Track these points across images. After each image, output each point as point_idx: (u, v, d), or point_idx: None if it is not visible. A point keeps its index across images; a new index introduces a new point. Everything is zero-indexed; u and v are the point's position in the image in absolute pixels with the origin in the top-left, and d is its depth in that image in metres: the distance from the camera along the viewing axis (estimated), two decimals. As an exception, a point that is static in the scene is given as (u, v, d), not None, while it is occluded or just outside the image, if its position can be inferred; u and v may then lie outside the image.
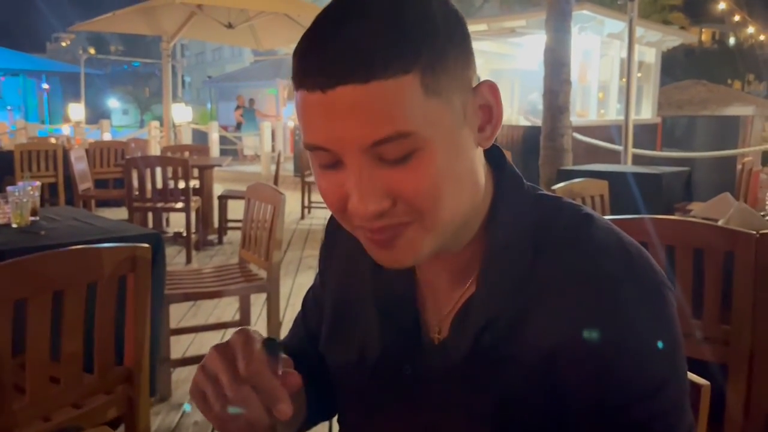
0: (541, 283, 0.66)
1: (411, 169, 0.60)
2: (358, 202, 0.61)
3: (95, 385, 1.78)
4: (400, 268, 0.69)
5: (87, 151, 6.78)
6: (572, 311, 0.64)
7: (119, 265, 1.74)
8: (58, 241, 2.21)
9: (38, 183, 2.64)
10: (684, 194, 4.63)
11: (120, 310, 1.79)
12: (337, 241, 0.87)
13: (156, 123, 12.35)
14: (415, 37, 0.58)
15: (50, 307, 1.60)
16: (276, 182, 5.90)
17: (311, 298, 0.94)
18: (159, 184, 5.11)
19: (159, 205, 5.17)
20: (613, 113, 9.96)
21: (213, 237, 6.11)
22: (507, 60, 10.77)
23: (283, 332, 3.39)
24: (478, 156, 0.67)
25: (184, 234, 5.36)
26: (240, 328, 0.66)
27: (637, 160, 6.01)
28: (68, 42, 41.18)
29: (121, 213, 5.72)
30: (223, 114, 22.99)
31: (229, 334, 3.53)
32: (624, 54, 6.91)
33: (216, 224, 6.15)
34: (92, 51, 33.77)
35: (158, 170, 5.07)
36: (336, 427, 0.90)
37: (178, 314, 3.89)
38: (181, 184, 5.15)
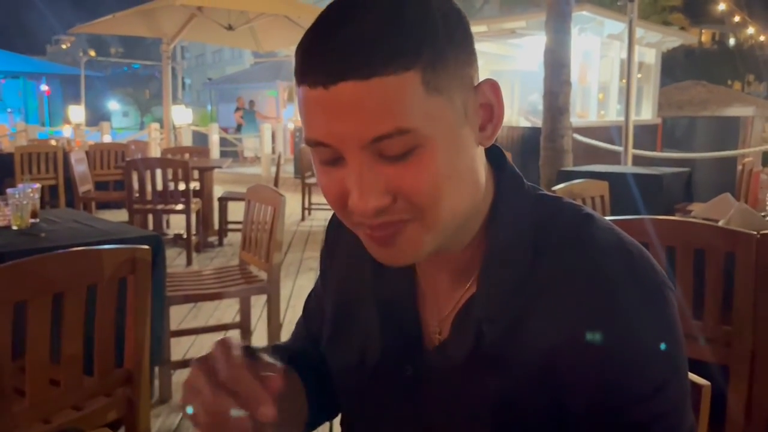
0: (542, 283, 0.66)
1: (411, 165, 0.60)
2: (359, 198, 0.61)
3: (95, 388, 1.78)
4: (400, 266, 0.68)
5: (87, 153, 6.78)
6: (573, 311, 0.64)
7: (119, 267, 1.74)
8: (58, 243, 2.21)
9: (38, 185, 2.64)
10: (684, 195, 4.63)
11: (120, 312, 1.79)
12: (337, 243, 0.87)
13: (156, 125, 12.36)
14: (416, 34, 0.59)
15: (50, 309, 1.60)
16: (276, 184, 5.90)
17: (313, 301, 0.94)
18: (159, 186, 5.11)
19: (159, 207, 5.17)
20: (613, 114, 9.96)
21: (213, 239, 6.11)
22: (507, 61, 10.77)
23: (284, 333, 3.39)
24: (479, 155, 0.67)
25: (185, 236, 5.36)
26: (221, 338, 0.66)
27: (638, 160, 6.01)
28: (68, 44, 41.26)
29: (121, 215, 5.72)
30: (224, 116, 23.01)
31: (229, 336, 3.54)
32: (624, 55, 6.91)
33: (216, 226, 6.15)
34: (92, 53, 33.79)
35: (158, 172, 5.07)
36: (336, 427, 0.90)
37: (179, 316, 3.89)
38: (182, 186, 5.15)
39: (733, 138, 9.73)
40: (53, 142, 8.28)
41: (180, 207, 5.17)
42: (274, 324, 2.97)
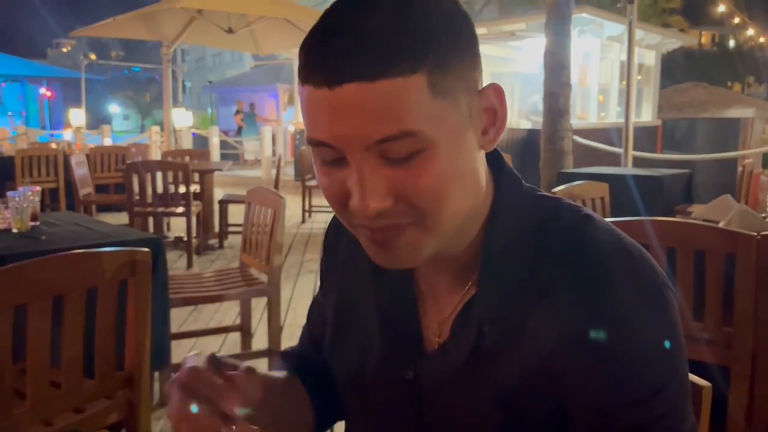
0: (542, 284, 0.66)
1: (414, 168, 0.60)
2: (360, 200, 0.60)
3: (96, 390, 1.78)
4: (400, 269, 0.68)
5: (88, 156, 6.78)
6: (573, 312, 0.63)
7: (119, 269, 1.74)
8: (58, 245, 2.21)
9: (38, 188, 2.64)
10: (684, 196, 4.63)
11: (121, 314, 1.79)
12: (337, 249, 0.87)
13: (157, 128, 12.37)
14: (423, 36, 0.58)
15: (50, 312, 1.60)
16: (276, 186, 5.90)
17: (315, 309, 0.93)
18: (160, 189, 5.11)
19: (160, 209, 5.17)
20: (613, 116, 9.96)
21: (214, 241, 6.11)
22: (507, 63, 10.78)
23: (284, 336, 3.39)
24: (480, 158, 0.67)
25: (185, 239, 5.36)
26: (186, 355, 0.67)
27: (638, 162, 6.01)
28: (69, 48, 41.31)
29: (121, 218, 5.71)
30: (224, 119, 23.02)
31: (230, 338, 3.55)
32: (624, 57, 6.92)
33: (217, 229, 6.15)
34: (93, 56, 33.86)
35: (159, 175, 5.07)
36: (337, 430, 0.90)
37: (179, 319, 3.89)
38: (182, 189, 5.14)
39: (733, 139, 9.74)
40: (54, 146, 8.28)
41: (180, 210, 5.17)
42: (274, 326, 2.97)
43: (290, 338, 3.52)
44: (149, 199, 5.06)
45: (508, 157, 5.75)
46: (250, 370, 0.64)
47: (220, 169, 6.41)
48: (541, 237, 0.68)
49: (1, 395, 1.55)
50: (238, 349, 3.29)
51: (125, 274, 1.77)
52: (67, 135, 12.54)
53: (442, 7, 0.61)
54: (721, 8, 13.62)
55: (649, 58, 10.65)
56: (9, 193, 2.50)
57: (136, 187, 5.00)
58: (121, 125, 38.74)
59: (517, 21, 9.19)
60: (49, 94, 22.92)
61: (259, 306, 3.66)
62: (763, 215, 2.66)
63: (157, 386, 2.79)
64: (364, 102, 0.57)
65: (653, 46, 10.52)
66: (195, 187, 5.55)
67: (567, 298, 0.64)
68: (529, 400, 0.66)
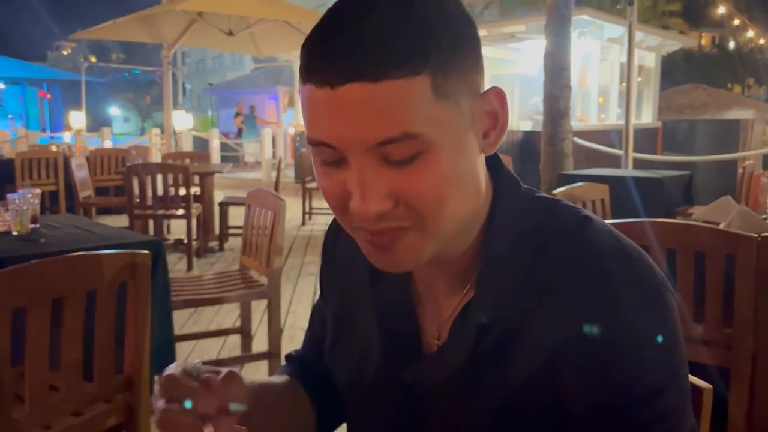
0: (541, 286, 0.66)
1: (415, 171, 0.59)
2: (360, 201, 0.60)
3: (95, 393, 1.77)
4: (399, 272, 0.68)
5: (88, 158, 6.79)
6: (572, 314, 0.63)
7: (119, 271, 1.74)
8: (58, 248, 2.21)
9: (38, 190, 2.64)
10: (685, 198, 4.63)
11: (121, 317, 1.78)
12: (335, 253, 0.86)
13: (157, 130, 12.38)
14: (428, 37, 0.58)
15: (50, 314, 1.59)
16: (277, 188, 5.90)
17: (316, 313, 0.93)
18: (160, 191, 5.11)
19: (160, 212, 5.17)
20: (613, 118, 9.97)
21: (214, 244, 6.11)
22: (507, 65, 10.79)
23: (284, 338, 3.39)
24: (481, 162, 0.67)
25: (185, 241, 5.36)
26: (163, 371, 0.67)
27: (638, 164, 6.02)
28: (69, 50, 41.30)
29: (122, 220, 5.72)
30: (224, 121, 23.02)
31: (230, 341, 3.54)
32: (624, 58, 6.92)
33: (217, 231, 6.15)
34: (93, 59, 33.86)
35: (159, 177, 5.08)
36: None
37: (180, 321, 3.88)
38: (182, 191, 5.14)
39: (734, 141, 9.75)
40: (54, 148, 8.30)
41: (180, 212, 5.17)
42: (274, 329, 2.97)
43: (290, 341, 3.52)
44: (149, 202, 5.06)
45: (508, 159, 5.75)
46: (231, 374, 0.64)
47: (220, 172, 6.41)
48: (539, 239, 0.68)
49: (0, 398, 1.54)
50: (238, 352, 3.29)
51: (125, 277, 1.76)
52: (67, 137, 12.56)
53: (445, 8, 0.60)
54: (721, 10, 13.63)
55: (649, 59, 10.66)
56: (9, 196, 2.49)
57: (136, 190, 5.00)
58: (121, 128, 38.78)
59: (517, 23, 9.20)
60: (49, 96, 22.94)
61: (259, 308, 3.66)
62: (763, 217, 2.66)
63: (157, 389, 2.79)
64: (366, 103, 0.57)
65: (653, 47, 10.53)
66: (195, 190, 5.55)
67: (566, 299, 0.64)
68: (529, 401, 0.65)
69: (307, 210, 7.58)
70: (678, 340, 0.64)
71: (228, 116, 20.45)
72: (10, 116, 21.04)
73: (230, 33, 7.03)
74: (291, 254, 5.93)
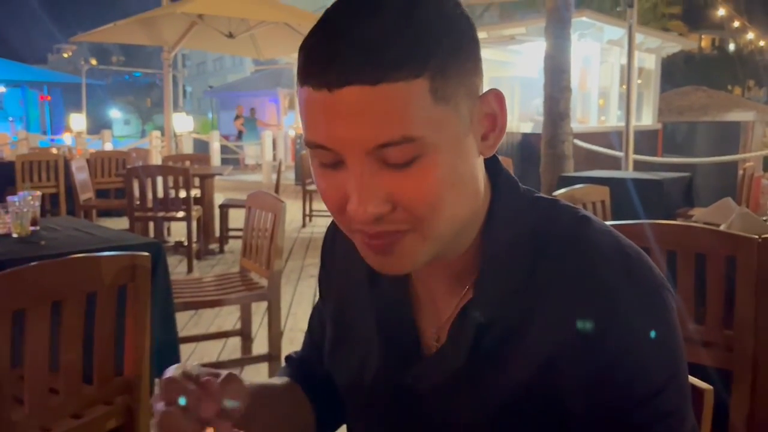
0: (540, 286, 0.66)
1: (413, 174, 0.59)
2: (358, 204, 0.60)
3: (95, 396, 1.77)
4: (397, 274, 0.68)
5: (88, 161, 6.78)
6: (571, 314, 0.63)
7: (118, 274, 1.74)
8: (58, 250, 2.20)
9: (38, 192, 2.64)
10: (685, 200, 4.62)
11: (121, 319, 1.78)
12: (333, 258, 0.86)
13: (157, 133, 12.38)
14: (427, 39, 0.57)
15: (49, 316, 1.59)
16: (277, 191, 5.90)
17: (316, 316, 0.93)
18: (160, 194, 5.11)
19: (160, 214, 5.16)
20: (613, 120, 9.97)
21: (214, 246, 6.11)
22: (507, 67, 10.79)
23: (285, 340, 3.39)
24: (479, 164, 0.66)
25: (185, 243, 5.36)
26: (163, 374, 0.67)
27: (638, 166, 6.02)
28: (70, 53, 41.40)
29: (122, 223, 5.72)
30: (225, 123, 23.04)
31: (230, 343, 3.54)
32: (624, 60, 6.93)
33: (217, 233, 6.15)
34: (94, 62, 33.89)
35: (159, 180, 5.07)
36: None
37: (180, 323, 3.86)
38: (183, 194, 5.15)
39: (734, 143, 9.75)
40: (54, 151, 8.30)
41: (181, 214, 5.17)
42: (274, 331, 2.97)
43: (290, 343, 3.51)
44: (150, 204, 5.05)
45: (508, 162, 5.76)
46: (230, 376, 0.64)
47: (220, 174, 6.41)
48: (538, 239, 0.68)
49: (0, 401, 1.54)
50: (238, 354, 3.29)
51: (125, 279, 1.76)
52: (67, 140, 12.56)
53: (444, 10, 0.60)
54: (721, 12, 13.64)
55: (649, 61, 10.67)
56: (9, 198, 2.49)
57: (136, 192, 5.00)
58: (121, 130, 38.78)
59: (518, 25, 9.20)
60: (49, 98, 22.97)
61: (259, 311, 3.66)
62: (764, 218, 2.66)
63: (156, 391, 2.79)
64: (364, 106, 0.56)
65: (653, 49, 10.53)
66: (195, 192, 5.55)
67: (565, 300, 0.64)
68: (529, 402, 0.65)
69: (307, 212, 7.58)
70: (677, 340, 0.64)
71: (229, 118, 20.47)
72: (10, 119, 21.05)
73: (230, 35, 7.03)
74: (291, 256, 5.92)
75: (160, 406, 0.62)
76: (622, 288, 0.63)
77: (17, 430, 1.59)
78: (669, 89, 13.42)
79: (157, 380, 0.67)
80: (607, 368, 0.62)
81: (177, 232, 6.51)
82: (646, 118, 10.62)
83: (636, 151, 5.88)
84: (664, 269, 1.85)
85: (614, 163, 6.49)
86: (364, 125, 0.57)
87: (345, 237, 0.68)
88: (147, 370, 1.86)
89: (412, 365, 0.73)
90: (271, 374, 2.96)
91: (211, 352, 3.47)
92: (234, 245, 6.07)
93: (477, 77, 0.63)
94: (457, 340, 0.70)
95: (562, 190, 3.05)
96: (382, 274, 0.69)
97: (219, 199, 6.32)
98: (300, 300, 4.52)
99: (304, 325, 0.97)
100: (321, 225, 7.57)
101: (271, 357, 2.96)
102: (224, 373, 0.64)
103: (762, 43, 16.92)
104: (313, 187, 7.31)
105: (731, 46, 25.38)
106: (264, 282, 2.98)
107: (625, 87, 6.46)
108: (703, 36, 25.61)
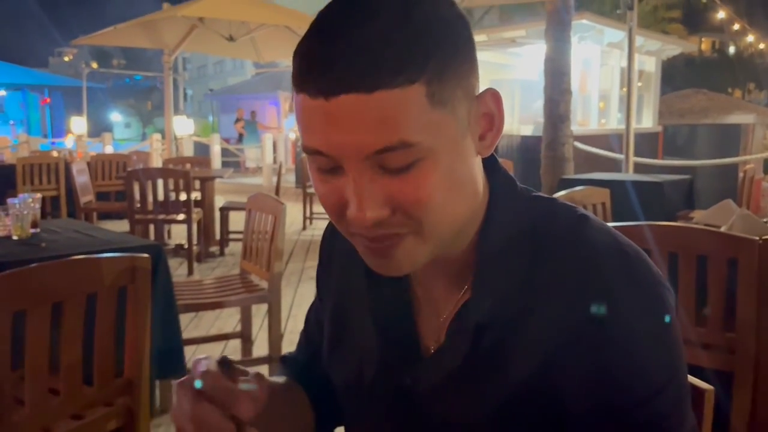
0: (539, 285, 0.65)
1: (412, 178, 0.59)
2: (357, 209, 0.60)
3: (95, 397, 1.77)
4: (396, 276, 0.68)
5: (89, 164, 6.79)
6: (570, 314, 0.63)
7: (119, 275, 1.74)
8: (58, 252, 2.21)
9: (39, 195, 2.64)
10: (686, 202, 4.62)
11: (121, 321, 1.78)
12: (332, 256, 0.86)
13: (158, 136, 12.40)
14: (424, 44, 0.57)
15: (49, 318, 1.59)
16: (277, 193, 5.90)
17: (313, 314, 0.93)
18: (161, 197, 5.11)
19: (160, 217, 5.17)
20: (614, 122, 9.97)
21: (214, 249, 6.11)
22: (507, 70, 10.80)
23: (285, 342, 3.38)
24: (477, 164, 0.66)
25: (186, 246, 5.36)
26: (195, 358, 0.66)
27: (639, 168, 6.02)
28: (71, 56, 41.47)
29: (122, 225, 5.72)
30: (225, 126, 23.06)
31: (230, 345, 3.54)
32: (624, 63, 6.93)
33: (218, 236, 6.15)
34: (94, 65, 33.95)
35: (160, 182, 5.08)
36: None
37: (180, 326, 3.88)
38: (183, 196, 5.15)
39: (734, 145, 9.75)
40: (55, 153, 8.30)
41: (181, 217, 5.17)
42: (275, 333, 2.97)
43: (291, 345, 3.49)
44: (150, 207, 5.06)
45: (509, 164, 5.75)
46: (259, 376, 0.64)
47: (221, 177, 6.42)
48: (536, 238, 0.68)
49: (0, 402, 1.54)
50: (238, 356, 3.28)
51: (125, 281, 1.76)
52: (68, 143, 12.56)
53: (440, 12, 0.60)
54: (721, 14, 13.65)
55: (649, 64, 10.67)
56: (9, 200, 2.50)
57: (137, 195, 5.00)
58: (122, 133, 38.78)
59: (517, 28, 9.20)
60: (50, 101, 22.98)
61: (259, 313, 3.66)
62: (764, 220, 2.66)
63: (157, 393, 2.78)
64: (361, 113, 0.56)
65: (653, 52, 10.54)
66: (196, 195, 5.55)
67: (564, 299, 0.64)
68: (528, 402, 0.65)
69: (307, 215, 7.58)
70: (676, 339, 0.64)
71: (229, 121, 20.48)
72: (11, 122, 21.06)
73: (231, 38, 7.05)
74: (292, 259, 5.92)
75: (191, 398, 0.61)
76: (621, 287, 0.62)
77: (18, 430, 1.59)
78: (669, 92, 13.43)
79: (173, 382, 0.66)
80: (605, 368, 0.62)
81: (177, 234, 6.51)
82: (647, 121, 10.62)
83: (636, 154, 5.87)
84: (665, 271, 1.85)
85: (615, 166, 6.49)
86: (362, 132, 0.57)
87: (344, 237, 0.68)
88: (147, 371, 1.86)
89: (411, 365, 0.73)
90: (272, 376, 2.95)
91: (211, 354, 3.46)
92: (234, 248, 6.07)
93: (473, 78, 0.63)
94: (455, 340, 0.69)
95: (563, 192, 3.05)
96: (381, 275, 0.69)
97: (219, 201, 6.32)
98: (300, 302, 4.52)
99: (305, 327, 0.96)
100: (321, 227, 7.52)
101: (272, 359, 2.95)
102: (253, 372, 0.64)
103: (762, 46, 16.93)
104: (313, 189, 7.31)
105: (731, 49, 25.40)
106: (264, 284, 2.98)
107: (625, 90, 6.46)
108: (703, 39, 25.62)
